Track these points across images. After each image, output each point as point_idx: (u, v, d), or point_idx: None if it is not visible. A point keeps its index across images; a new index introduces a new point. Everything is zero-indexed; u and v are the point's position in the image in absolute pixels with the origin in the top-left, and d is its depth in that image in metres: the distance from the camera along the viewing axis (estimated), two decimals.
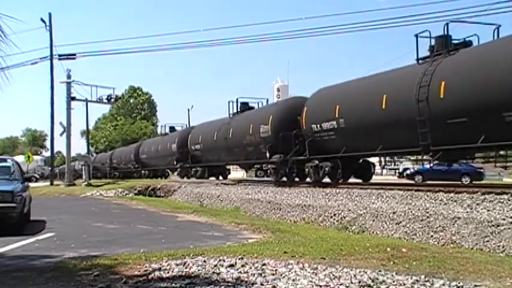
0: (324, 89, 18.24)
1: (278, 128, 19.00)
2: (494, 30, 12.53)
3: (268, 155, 19.46)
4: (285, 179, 19.30)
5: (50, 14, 31.46)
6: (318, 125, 16.72)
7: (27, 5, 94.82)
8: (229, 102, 24.99)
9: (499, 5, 16.68)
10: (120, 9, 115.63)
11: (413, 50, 13.69)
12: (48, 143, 56.49)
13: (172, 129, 37.42)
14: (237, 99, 24.95)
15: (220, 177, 28.68)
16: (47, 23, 30.88)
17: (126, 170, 43.30)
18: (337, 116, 15.77)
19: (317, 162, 16.95)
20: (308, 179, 18.08)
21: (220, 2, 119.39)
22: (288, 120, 18.81)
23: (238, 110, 24.67)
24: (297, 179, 18.97)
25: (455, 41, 13.10)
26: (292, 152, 18.18)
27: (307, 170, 17.58)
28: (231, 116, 24.94)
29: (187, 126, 36.23)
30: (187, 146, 29.25)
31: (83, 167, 32.00)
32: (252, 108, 24.73)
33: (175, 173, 35.62)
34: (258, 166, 24.84)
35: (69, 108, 31.26)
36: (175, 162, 31.75)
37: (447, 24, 13.23)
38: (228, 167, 29.15)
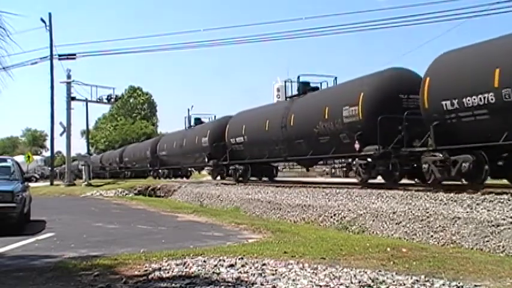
0: (463, 48, 12.49)
1: (374, 110, 14.01)
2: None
3: (357, 146, 14.62)
4: (380, 178, 15.03)
5: (50, 14, 31.51)
6: (456, 101, 11.53)
7: (27, 5, 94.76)
8: (285, 81, 20.95)
9: (499, 5, 16.64)
10: (120, 9, 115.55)
11: (412, 50, 13.59)
12: (48, 143, 56.53)
13: (198, 120, 31.92)
14: (298, 77, 20.00)
15: (266, 178, 23.31)
16: (47, 23, 30.91)
17: (140, 169, 39.66)
18: (497, 85, 10.56)
19: (446, 155, 12.02)
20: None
21: (220, 2, 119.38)
22: (388, 99, 14.05)
23: (300, 91, 19.65)
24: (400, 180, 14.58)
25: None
26: (394, 142, 13.52)
27: (426, 166, 12.62)
28: (290, 99, 20.22)
29: (188, 125, 32.29)
30: (225, 140, 24.10)
31: (83, 167, 32.01)
32: (316, 88, 19.44)
33: (204, 172, 32.57)
34: (342, 162, 20.25)
35: (69, 108, 31.28)
36: (206, 159, 26.58)
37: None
38: (276, 165, 24.11)
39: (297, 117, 18.14)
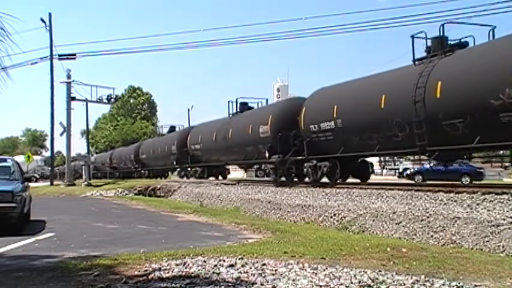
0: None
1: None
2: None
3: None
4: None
5: (50, 14, 31.56)
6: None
7: (27, 5, 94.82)
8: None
9: (499, 5, 16.60)
10: (120, 9, 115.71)
11: (411, 51, 13.63)
12: (48, 143, 56.54)
13: (172, 128, 37.67)
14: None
15: (220, 177, 28.78)
16: (47, 23, 30.95)
17: (126, 170, 43.20)
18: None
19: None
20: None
21: (220, 2, 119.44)
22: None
23: (238, 110, 24.82)
24: (295, 179, 19.07)
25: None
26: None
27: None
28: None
29: (188, 125, 36.77)
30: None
31: (83, 167, 32.02)
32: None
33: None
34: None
35: (69, 108, 31.28)
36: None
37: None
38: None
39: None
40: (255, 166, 25.87)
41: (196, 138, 28.29)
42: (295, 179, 19.09)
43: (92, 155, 53.16)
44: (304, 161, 17.68)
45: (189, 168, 30.15)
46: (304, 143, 17.45)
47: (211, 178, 28.25)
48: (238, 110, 24.79)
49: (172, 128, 37.56)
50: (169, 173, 38.91)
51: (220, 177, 28.76)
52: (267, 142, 19.63)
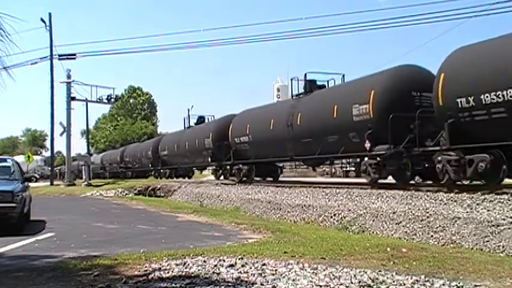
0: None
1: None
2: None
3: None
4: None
5: (50, 14, 31.59)
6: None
7: (27, 5, 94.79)
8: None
9: (499, 5, 16.51)
10: (120, 9, 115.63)
11: (412, 51, 13.32)
12: (48, 143, 56.59)
13: (201, 119, 31.47)
14: (305, 75, 19.40)
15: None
16: (47, 23, 30.97)
17: (141, 169, 39.29)
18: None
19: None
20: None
21: (221, 2, 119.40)
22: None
23: (306, 89, 19.19)
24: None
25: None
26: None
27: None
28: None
29: (188, 125, 31.91)
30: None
31: (83, 167, 32.01)
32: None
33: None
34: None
35: (69, 108, 31.30)
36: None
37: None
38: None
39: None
40: (339, 161, 21.31)
41: (242, 128, 22.52)
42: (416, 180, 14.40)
43: (92, 155, 53.17)
44: (439, 152, 12.22)
45: (231, 166, 24.12)
46: (446, 125, 11.72)
47: (257, 178, 22.81)
48: (306, 90, 19.17)
49: (201, 119, 31.45)
50: (197, 172, 35.28)
51: (269, 178, 23.13)
52: (367, 128, 14.30)
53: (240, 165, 23.00)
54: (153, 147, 36.68)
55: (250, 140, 21.84)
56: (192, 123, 31.67)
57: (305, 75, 19.46)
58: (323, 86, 19.33)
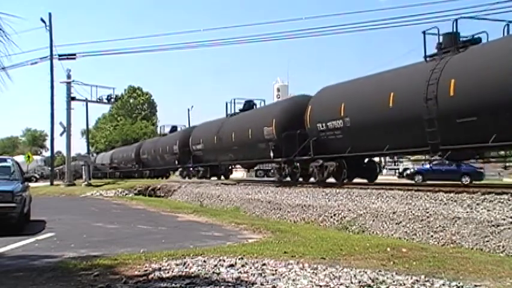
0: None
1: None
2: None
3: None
4: (288, 178, 19.25)
5: (50, 14, 31.53)
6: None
7: (27, 5, 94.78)
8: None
9: (499, 5, 16.51)
10: (120, 9, 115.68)
11: (412, 51, 12.85)
12: (48, 143, 56.49)
13: (174, 128, 37.36)
14: (233, 100, 25.38)
15: (222, 177, 28.62)
16: (47, 23, 30.92)
17: (127, 170, 42.74)
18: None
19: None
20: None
21: (221, 2, 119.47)
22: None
23: (238, 109, 24.88)
24: (300, 179, 19.00)
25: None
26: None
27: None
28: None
29: (189, 125, 37.41)
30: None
31: (83, 167, 32.01)
32: (253, 106, 25.04)
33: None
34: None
35: (69, 108, 31.28)
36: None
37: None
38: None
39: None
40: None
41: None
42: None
43: (93, 155, 53.18)
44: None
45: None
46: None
47: (213, 178, 28.13)
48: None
49: (174, 128, 37.38)
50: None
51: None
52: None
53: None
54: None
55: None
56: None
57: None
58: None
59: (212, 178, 28.00)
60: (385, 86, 14.36)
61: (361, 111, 14.95)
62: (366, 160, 17.45)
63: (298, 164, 18.49)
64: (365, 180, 17.38)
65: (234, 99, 25.97)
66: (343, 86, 17.20)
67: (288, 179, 19.50)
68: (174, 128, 37.46)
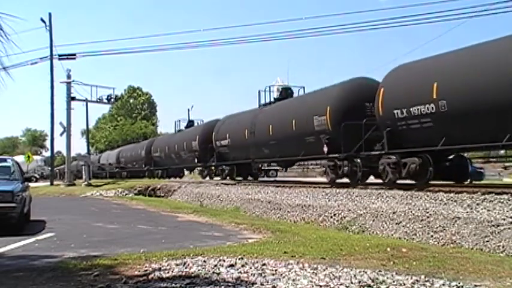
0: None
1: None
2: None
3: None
4: (346, 179, 16.25)
5: (50, 14, 31.52)
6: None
7: (27, 5, 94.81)
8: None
9: (499, 5, 16.50)
10: (120, 9, 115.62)
11: (412, 51, 12.60)
12: (48, 143, 56.55)
13: (190, 123, 33.19)
14: (268, 88, 21.94)
15: (250, 178, 24.71)
16: (47, 23, 30.91)
17: (136, 170, 40.03)
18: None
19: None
20: (378, 180, 15.06)
21: (221, 2, 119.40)
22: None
23: (274, 97, 21.86)
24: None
25: None
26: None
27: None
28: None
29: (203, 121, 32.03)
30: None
31: (83, 167, 32.01)
32: (291, 94, 21.76)
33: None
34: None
35: (69, 108, 31.29)
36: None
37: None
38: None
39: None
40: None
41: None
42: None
43: (96, 154, 53.15)
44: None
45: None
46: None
47: (239, 178, 24.48)
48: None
49: (190, 123, 33.19)
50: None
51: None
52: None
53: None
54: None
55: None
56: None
57: (268, 87, 22.42)
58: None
59: (237, 178, 24.52)
60: (504, 57, 11.07)
61: (465, 92, 11.75)
62: (452, 156, 14.01)
63: (359, 161, 15.28)
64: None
65: (270, 87, 22.66)
66: (434, 61, 13.21)
67: (345, 179, 16.30)
68: (190, 123, 33.08)
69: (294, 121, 18.09)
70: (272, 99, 22.05)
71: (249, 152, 21.90)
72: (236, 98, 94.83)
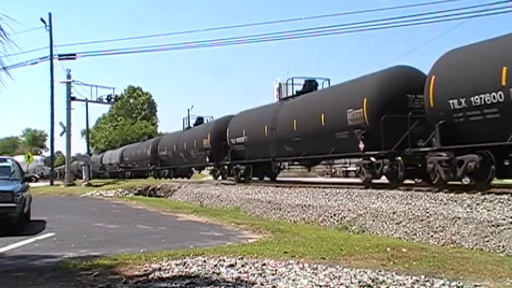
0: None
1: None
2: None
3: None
4: (384, 178, 14.88)
5: (50, 14, 31.57)
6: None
7: (27, 5, 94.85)
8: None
9: (499, 5, 16.50)
10: (120, 9, 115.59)
11: (412, 51, 12.57)
12: (48, 143, 56.51)
13: (200, 120, 32.04)
14: (290, 80, 20.53)
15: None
16: (47, 23, 30.96)
17: (141, 169, 39.14)
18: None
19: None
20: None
21: (221, 2, 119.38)
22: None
23: (297, 90, 20.34)
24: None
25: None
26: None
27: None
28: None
29: (188, 125, 32.32)
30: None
31: (83, 167, 32.02)
32: (316, 87, 20.03)
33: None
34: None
35: (69, 108, 31.31)
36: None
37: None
38: (190, 169, 26.18)
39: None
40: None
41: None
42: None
43: (98, 154, 53.09)
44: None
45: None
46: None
47: (254, 178, 23.21)
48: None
49: (200, 120, 32.04)
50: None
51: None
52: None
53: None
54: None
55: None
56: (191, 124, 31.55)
57: (291, 80, 20.49)
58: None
59: (253, 178, 23.14)
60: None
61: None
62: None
63: (401, 158, 13.65)
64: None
65: (292, 79, 20.38)
66: (500, 43, 11.32)
67: (384, 179, 14.77)
68: (200, 120, 31.46)
69: (323, 115, 16.29)
70: (295, 92, 20.35)
71: (268, 149, 19.98)
72: (236, 98, 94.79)
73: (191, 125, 31.92)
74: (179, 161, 31.61)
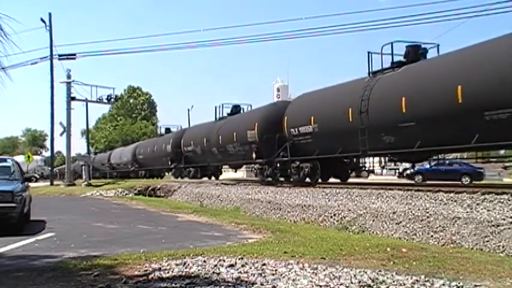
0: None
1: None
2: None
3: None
4: (270, 179, 20.49)
5: (50, 14, 31.56)
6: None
7: (27, 5, 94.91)
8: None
9: (499, 5, 16.50)
10: (120, 9, 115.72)
11: None
12: (48, 143, 56.56)
13: (168, 130, 38.25)
14: (221, 105, 26.55)
15: (213, 178, 29.52)
16: (47, 23, 30.95)
17: (124, 170, 42.81)
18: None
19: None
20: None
21: (221, 2, 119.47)
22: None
23: (225, 113, 26.10)
24: (281, 179, 20.22)
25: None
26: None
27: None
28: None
29: (188, 125, 37.88)
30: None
31: (83, 167, 32.03)
32: (240, 111, 25.87)
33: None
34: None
35: (69, 108, 31.30)
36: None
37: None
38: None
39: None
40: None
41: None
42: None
43: (95, 154, 53.14)
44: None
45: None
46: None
47: (204, 178, 28.87)
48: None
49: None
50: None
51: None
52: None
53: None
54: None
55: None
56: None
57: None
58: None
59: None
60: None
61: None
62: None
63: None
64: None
65: (392, 43, 14.79)
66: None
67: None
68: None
69: (459, 88, 10.81)
70: (225, 115, 26.18)
71: (353, 141, 14.94)
72: (236, 98, 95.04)
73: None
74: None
